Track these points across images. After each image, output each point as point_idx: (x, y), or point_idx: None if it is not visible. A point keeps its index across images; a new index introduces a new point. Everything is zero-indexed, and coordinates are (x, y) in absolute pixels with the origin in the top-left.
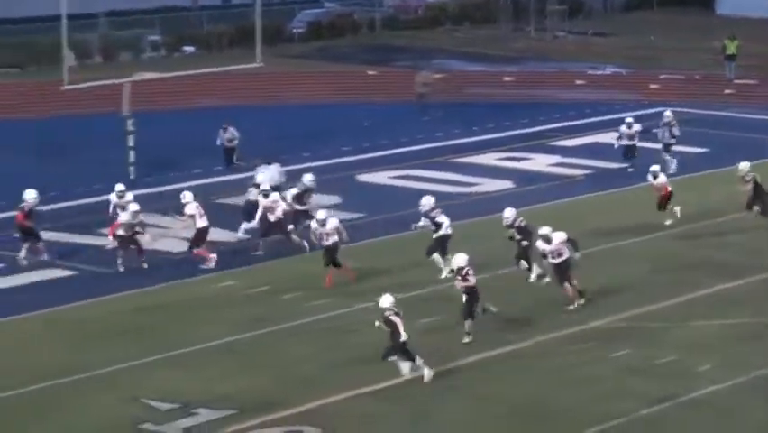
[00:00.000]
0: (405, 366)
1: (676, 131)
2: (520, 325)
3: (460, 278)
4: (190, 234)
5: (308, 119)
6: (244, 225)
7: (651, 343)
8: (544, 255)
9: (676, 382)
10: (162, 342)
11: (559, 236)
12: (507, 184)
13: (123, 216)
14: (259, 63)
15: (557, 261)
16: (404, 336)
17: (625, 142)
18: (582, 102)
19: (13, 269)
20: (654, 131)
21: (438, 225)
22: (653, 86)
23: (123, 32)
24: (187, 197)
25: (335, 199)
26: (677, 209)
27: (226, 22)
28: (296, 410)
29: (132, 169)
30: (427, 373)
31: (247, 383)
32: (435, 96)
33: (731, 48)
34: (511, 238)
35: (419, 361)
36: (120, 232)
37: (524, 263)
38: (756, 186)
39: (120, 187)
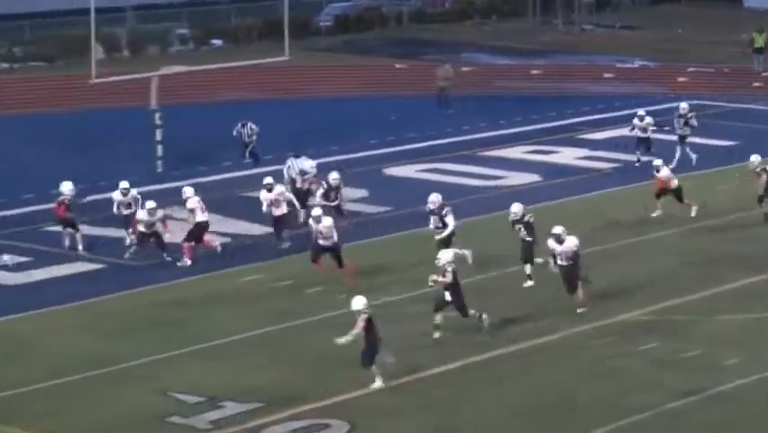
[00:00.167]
0: (378, 381)
1: (694, 122)
2: (548, 318)
3: (441, 274)
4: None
5: (335, 112)
6: (302, 213)
7: (677, 336)
8: (553, 256)
9: (703, 375)
10: (189, 335)
11: (572, 240)
12: (534, 177)
13: (141, 214)
14: (286, 57)
15: (565, 264)
16: (343, 340)
17: (638, 135)
18: (610, 95)
19: (43, 262)
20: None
21: (444, 225)
22: (681, 79)
23: (151, 26)
24: (187, 192)
25: (362, 193)
26: (695, 207)
27: (254, 15)
28: (322, 404)
29: (159, 162)
30: (378, 383)
31: (273, 377)
32: (464, 89)
33: (759, 41)
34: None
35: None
36: (141, 228)
37: (538, 261)
38: None
39: (124, 184)
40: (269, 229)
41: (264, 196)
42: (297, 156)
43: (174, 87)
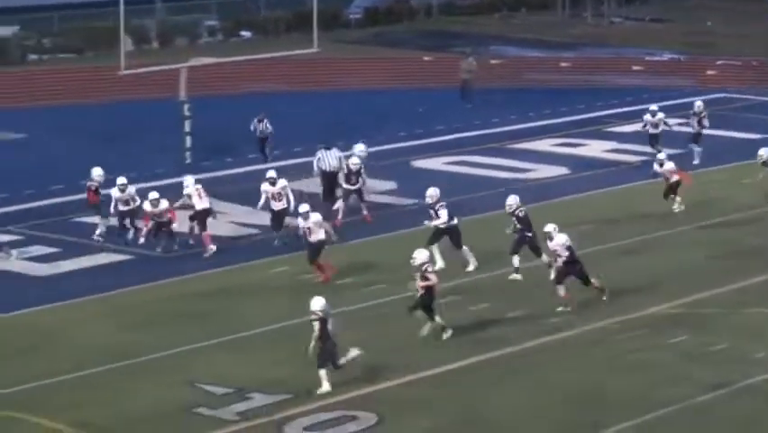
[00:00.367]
0: (325, 385)
1: (705, 122)
2: (578, 310)
3: (419, 275)
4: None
5: (364, 105)
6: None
7: (706, 330)
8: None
9: (731, 368)
10: (216, 327)
11: (560, 238)
12: (562, 170)
13: (146, 206)
14: (315, 49)
15: (561, 261)
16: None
17: (650, 130)
18: (639, 88)
19: (70, 253)
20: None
21: (437, 218)
22: (710, 72)
23: (180, 18)
24: (187, 180)
25: (391, 185)
26: (679, 199)
27: (283, 7)
28: (350, 396)
29: (188, 154)
30: (324, 387)
31: (301, 368)
32: (493, 82)
33: None
34: (514, 229)
35: (343, 360)
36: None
37: (516, 260)
38: None
39: (122, 180)
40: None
41: (265, 188)
42: (328, 148)
43: (203, 79)
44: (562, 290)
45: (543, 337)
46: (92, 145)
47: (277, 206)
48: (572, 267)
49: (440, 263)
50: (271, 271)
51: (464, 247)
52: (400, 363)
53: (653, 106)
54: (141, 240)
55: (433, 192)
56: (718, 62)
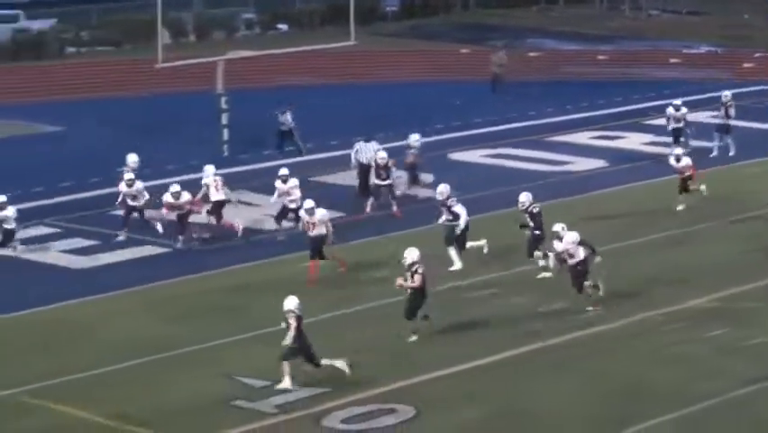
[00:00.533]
0: (286, 381)
1: (732, 111)
2: (615, 303)
3: (409, 275)
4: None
5: (401, 98)
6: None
7: (743, 323)
8: (559, 256)
9: None
10: (253, 320)
11: (571, 236)
12: (600, 163)
13: (166, 197)
14: (352, 41)
15: (571, 262)
16: (288, 341)
17: (673, 125)
18: (676, 80)
19: (109, 246)
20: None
21: (455, 216)
22: (746, 64)
23: (217, 11)
24: (207, 170)
25: (428, 178)
26: (703, 187)
27: (320, 0)
28: (388, 388)
29: (225, 147)
30: (285, 382)
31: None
32: (530, 74)
33: None
34: (523, 226)
35: (326, 360)
36: (172, 213)
37: (538, 254)
38: None
39: (129, 176)
40: (336, 214)
41: (278, 186)
42: (367, 140)
43: (240, 72)
44: (589, 291)
45: (581, 330)
46: (129, 138)
47: (290, 204)
48: (584, 266)
49: (457, 265)
50: (306, 264)
51: (453, 246)
52: (440, 355)
53: (677, 101)
54: (160, 230)
55: (443, 189)
56: (756, 55)
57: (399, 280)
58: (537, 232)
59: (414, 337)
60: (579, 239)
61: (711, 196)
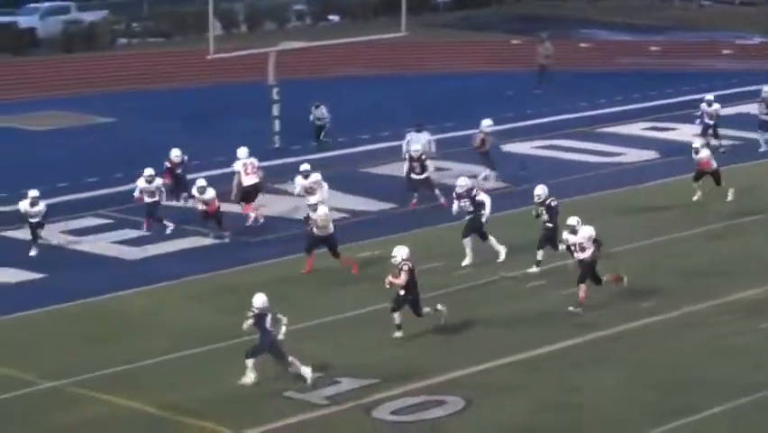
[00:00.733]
0: (251, 375)
1: None
2: (666, 295)
3: (398, 272)
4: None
5: (452, 88)
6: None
7: None
8: (568, 247)
9: None
10: (304, 311)
11: (586, 231)
12: (651, 154)
13: (193, 191)
14: (403, 32)
15: (580, 256)
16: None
17: (705, 120)
18: (729, 72)
19: (160, 237)
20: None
21: (480, 205)
22: None
23: (268, 2)
24: (239, 153)
25: (479, 170)
26: (731, 191)
27: None
28: (437, 380)
29: (277, 138)
30: (248, 377)
31: (389, 353)
32: (582, 65)
33: None
34: (538, 216)
35: (298, 364)
36: (200, 207)
37: (540, 253)
38: None
39: (149, 171)
40: (387, 205)
41: (299, 181)
42: (418, 131)
43: (291, 63)
44: (582, 291)
45: (634, 321)
46: (180, 129)
47: (311, 199)
48: (594, 264)
49: (502, 254)
50: (360, 255)
51: (468, 239)
52: (489, 347)
53: (709, 96)
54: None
55: (463, 181)
56: None
57: (389, 278)
58: (550, 225)
59: (398, 333)
60: (593, 235)
61: (755, 189)
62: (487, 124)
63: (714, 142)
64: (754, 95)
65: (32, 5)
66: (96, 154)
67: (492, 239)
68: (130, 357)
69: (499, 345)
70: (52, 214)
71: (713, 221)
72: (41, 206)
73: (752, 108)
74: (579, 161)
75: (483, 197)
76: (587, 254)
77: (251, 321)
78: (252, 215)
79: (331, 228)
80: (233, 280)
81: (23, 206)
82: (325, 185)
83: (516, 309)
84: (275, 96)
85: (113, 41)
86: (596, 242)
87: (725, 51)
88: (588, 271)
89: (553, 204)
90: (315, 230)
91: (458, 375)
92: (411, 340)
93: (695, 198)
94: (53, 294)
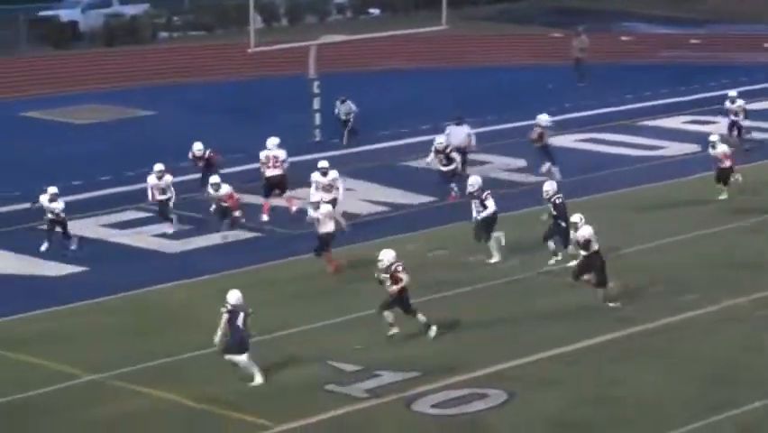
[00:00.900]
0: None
1: None
2: (707, 289)
3: (389, 277)
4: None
5: (493, 81)
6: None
7: None
8: (575, 243)
9: None
10: (346, 304)
11: (585, 230)
12: (692, 148)
13: (209, 189)
14: (444, 25)
15: (584, 254)
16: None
17: (731, 117)
18: None
19: (201, 230)
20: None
21: (485, 208)
22: None
23: None
24: (269, 142)
25: (520, 163)
26: (738, 176)
27: None
28: (479, 373)
29: (317, 131)
30: (258, 378)
31: (429, 346)
32: (623, 58)
33: None
34: (549, 215)
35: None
36: (213, 205)
37: (550, 244)
38: None
39: (159, 167)
40: (427, 198)
41: (316, 178)
42: (458, 123)
43: (331, 56)
44: (606, 288)
45: (675, 315)
46: (221, 122)
47: (326, 197)
48: (594, 260)
49: (497, 257)
50: (400, 248)
51: (494, 235)
52: (531, 341)
53: (732, 92)
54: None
55: (474, 180)
56: None
57: (392, 288)
58: (563, 223)
59: (395, 330)
60: (591, 234)
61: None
62: (544, 118)
63: (736, 140)
64: None
65: None
66: (137, 148)
67: (494, 241)
68: (170, 350)
69: (541, 339)
70: (94, 207)
71: (755, 215)
72: (61, 202)
73: None
74: (619, 155)
75: (489, 201)
76: (587, 252)
77: (225, 317)
78: (293, 207)
79: (330, 227)
80: (273, 274)
81: (43, 200)
82: (341, 185)
83: (557, 303)
84: (315, 90)
85: (154, 35)
86: (588, 242)
87: (766, 45)
88: (584, 268)
89: (557, 201)
90: (317, 228)
91: (500, 368)
92: (452, 333)
93: (722, 197)
94: (94, 287)
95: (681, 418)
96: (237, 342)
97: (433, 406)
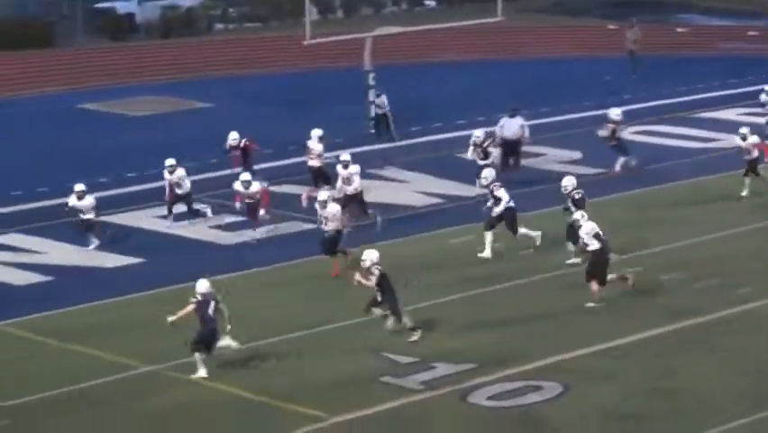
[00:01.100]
0: (201, 370)
1: None
2: (762, 282)
3: (365, 275)
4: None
5: (548, 73)
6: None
7: None
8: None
9: None
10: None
11: (587, 227)
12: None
13: (236, 186)
14: (499, 17)
15: (594, 246)
16: (169, 319)
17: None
18: None
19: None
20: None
21: (497, 200)
22: None
23: None
24: (313, 133)
25: (576, 155)
26: (748, 182)
27: None
28: (534, 365)
29: (372, 123)
30: (200, 372)
31: (484, 338)
32: (680, 50)
33: None
34: (566, 210)
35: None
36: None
37: (570, 245)
38: None
39: (170, 161)
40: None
41: (340, 171)
42: (512, 115)
43: (387, 48)
44: (594, 286)
45: (730, 308)
46: (277, 114)
47: (347, 189)
48: (601, 258)
49: (488, 252)
50: (452, 241)
51: (520, 230)
52: (585, 333)
53: None
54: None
55: (488, 173)
56: None
57: (358, 277)
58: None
59: (389, 323)
60: (594, 231)
61: None
62: (615, 113)
63: None
64: None
65: None
66: (194, 140)
67: (489, 236)
68: None
69: (594, 331)
70: (150, 198)
71: None
72: (90, 199)
73: None
74: (676, 147)
75: (501, 192)
76: (589, 250)
77: (191, 307)
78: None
79: (338, 225)
80: (326, 267)
81: (72, 201)
82: (357, 178)
83: (615, 295)
84: (371, 82)
85: (209, 27)
86: (596, 237)
87: None
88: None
89: (576, 196)
90: (323, 227)
91: (554, 361)
92: (505, 325)
93: (744, 193)
94: (150, 279)
95: (734, 411)
96: (210, 330)
97: (488, 398)
